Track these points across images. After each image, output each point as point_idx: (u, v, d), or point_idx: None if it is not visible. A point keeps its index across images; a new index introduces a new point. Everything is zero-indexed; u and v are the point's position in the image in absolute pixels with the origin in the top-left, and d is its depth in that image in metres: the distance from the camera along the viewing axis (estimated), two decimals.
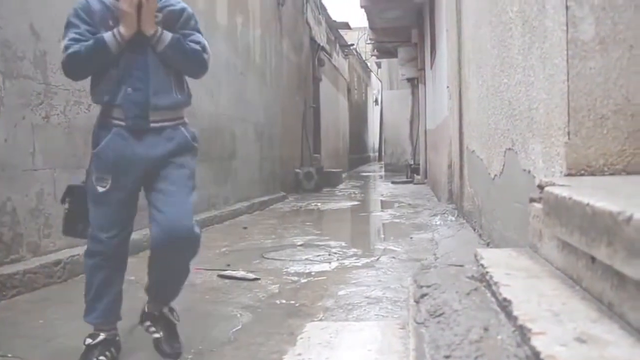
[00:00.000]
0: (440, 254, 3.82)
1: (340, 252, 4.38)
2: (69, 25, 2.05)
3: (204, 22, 3.43)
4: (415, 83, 13.83)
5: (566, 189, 1.45)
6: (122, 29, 2.04)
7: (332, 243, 4.83)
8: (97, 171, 2.09)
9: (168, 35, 2.08)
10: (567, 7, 1.81)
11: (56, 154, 3.72)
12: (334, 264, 3.94)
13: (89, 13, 2.06)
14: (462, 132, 4.82)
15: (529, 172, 2.32)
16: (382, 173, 18.38)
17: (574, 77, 1.81)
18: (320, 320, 2.60)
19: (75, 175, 3.77)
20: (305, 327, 2.06)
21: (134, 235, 2.28)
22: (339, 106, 18.99)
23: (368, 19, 12.15)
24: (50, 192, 3.64)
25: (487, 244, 3.44)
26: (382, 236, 5.56)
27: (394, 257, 4.09)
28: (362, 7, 10.95)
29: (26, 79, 3.47)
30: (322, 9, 14.10)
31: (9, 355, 2.21)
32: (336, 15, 15.01)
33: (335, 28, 15.87)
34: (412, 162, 13.87)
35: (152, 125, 2.08)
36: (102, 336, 2.10)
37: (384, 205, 8.39)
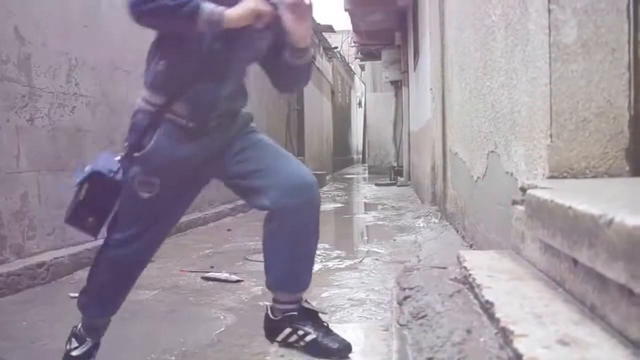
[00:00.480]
0: (423, 256, 3.82)
1: (324, 254, 4.38)
2: None
3: None
4: (398, 85, 13.87)
5: (548, 192, 1.45)
6: (231, 13, 1.66)
7: None
8: (142, 174, 1.79)
9: (311, 50, 1.89)
10: (549, 11, 1.81)
11: (40, 157, 3.70)
12: (317, 266, 3.92)
13: None
14: (445, 134, 4.84)
15: (512, 174, 2.33)
16: (366, 175, 18.40)
17: (556, 80, 1.82)
18: None
19: (59, 177, 3.76)
20: None
21: None
22: (323, 109, 19.00)
23: (352, 22, 12.15)
24: (34, 195, 3.62)
25: (470, 246, 3.45)
26: (366, 238, 5.56)
27: (377, 259, 4.09)
28: (346, 10, 10.96)
29: (10, 82, 3.45)
30: None
31: None
32: (320, 18, 14.94)
33: (319, 31, 15.86)
34: (395, 165, 13.90)
35: (211, 125, 1.84)
36: (89, 344, 1.92)
37: (368, 207, 8.39)
